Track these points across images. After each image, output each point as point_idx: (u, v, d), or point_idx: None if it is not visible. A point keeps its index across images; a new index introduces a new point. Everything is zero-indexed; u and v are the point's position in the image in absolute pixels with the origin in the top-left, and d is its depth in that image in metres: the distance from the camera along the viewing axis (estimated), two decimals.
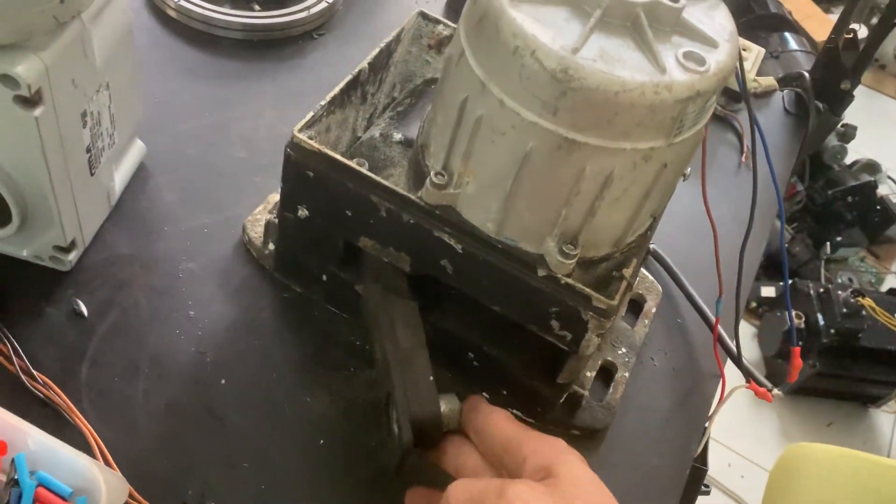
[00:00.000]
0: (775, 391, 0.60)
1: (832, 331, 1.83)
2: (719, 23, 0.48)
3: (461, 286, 0.56)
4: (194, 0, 0.84)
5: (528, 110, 0.45)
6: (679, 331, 0.72)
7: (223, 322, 0.63)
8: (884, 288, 2.23)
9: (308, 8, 0.87)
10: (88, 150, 0.58)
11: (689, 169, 0.61)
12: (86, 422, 0.54)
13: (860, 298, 1.82)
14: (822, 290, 1.90)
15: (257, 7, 0.86)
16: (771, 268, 2.21)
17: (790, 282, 1.99)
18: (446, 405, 0.51)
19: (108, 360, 0.59)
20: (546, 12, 0.45)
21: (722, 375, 0.68)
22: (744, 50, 0.93)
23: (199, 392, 0.59)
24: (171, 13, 0.85)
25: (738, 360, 0.63)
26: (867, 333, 1.82)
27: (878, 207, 2.25)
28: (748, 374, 0.63)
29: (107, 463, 0.53)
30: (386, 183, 0.53)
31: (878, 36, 0.93)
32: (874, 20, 0.97)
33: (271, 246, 0.65)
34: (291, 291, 0.65)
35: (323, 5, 0.87)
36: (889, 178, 2.49)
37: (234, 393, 0.59)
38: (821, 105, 0.96)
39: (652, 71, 0.43)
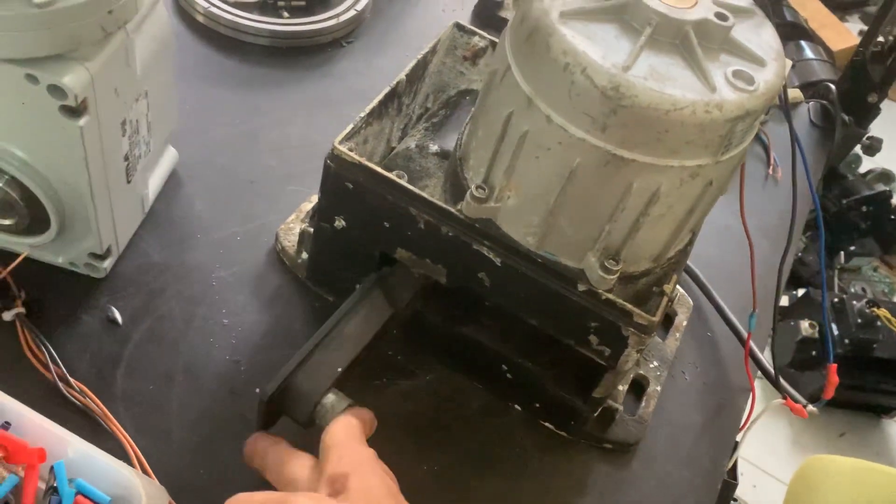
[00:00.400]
0: (810, 407, 0.60)
1: (846, 341, 1.82)
2: (766, 41, 0.48)
3: (498, 299, 0.56)
4: (223, 6, 0.84)
5: (576, 126, 0.45)
6: (709, 344, 0.72)
7: (257, 330, 0.63)
8: None
9: (337, 16, 0.87)
10: (126, 158, 0.58)
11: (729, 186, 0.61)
12: (122, 430, 0.55)
13: (875, 308, 1.82)
14: (836, 299, 1.89)
15: (286, 14, 0.86)
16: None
17: (803, 291, 1.98)
18: (334, 397, 0.51)
19: (143, 367, 0.59)
20: (596, 29, 0.45)
21: (752, 390, 0.68)
22: None
23: (234, 400, 0.59)
24: (200, 18, 0.85)
25: (774, 379, 0.63)
26: (882, 344, 1.81)
27: (893, 217, 2.24)
28: (783, 391, 0.62)
29: (144, 471, 0.53)
30: (426, 195, 0.53)
31: None
32: None
33: (305, 255, 0.65)
34: (324, 301, 0.65)
35: (351, 13, 0.88)
36: None
37: None
38: (846, 117, 0.96)
39: (702, 89, 0.43)
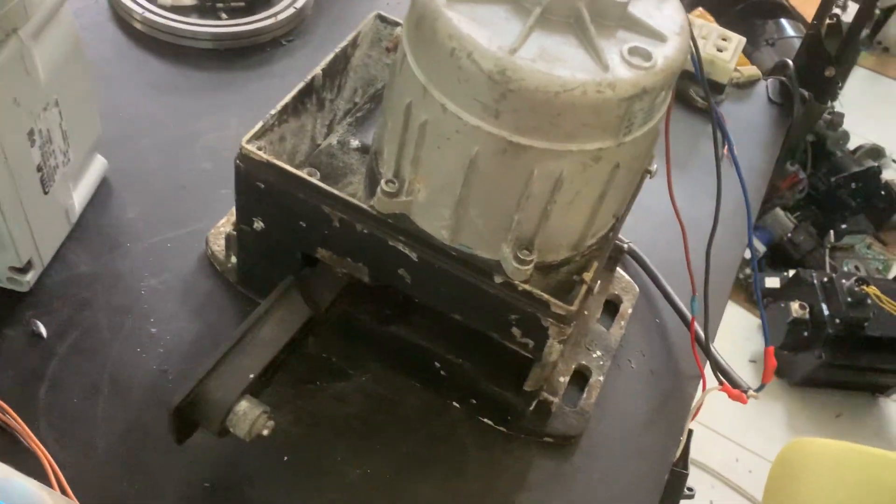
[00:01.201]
0: (751, 392, 0.58)
1: (837, 320, 1.79)
2: (668, 15, 0.46)
3: (420, 295, 0.54)
4: (160, 11, 0.83)
5: (469, 114, 0.44)
6: (657, 331, 0.70)
7: (186, 338, 0.62)
8: (891, 275, 2.19)
9: (275, 14, 0.85)
10: (40, 169, 0.57)
11: (656, 166, 0.59)
12: (42, 447, 0.53)
13: (865, 286, 1.79)
14: (825, 279, 1.86)
15: (224, 16, 0.85)
16: (775, 258, 2.18)
17: (794, 272, 1.96)
18: (247, 404, 0.49)
19: (68, 381, 0.58)
20: (484, 11, 0.43)
21: (702, 375, 0.67)
22: (723, 40, 0.91)
23: (160, 411, 0.57)
24: (137, 25, 0.84)
25: (712, 361, 0.61)
26: (873, 322, 1.78)
27: (883, 193, 2.21)
28: (723, 376, 0.61)
29: (62, 490, 0.52)
30: (336, 192, 0.51)
31: (859, 21, 0.90)
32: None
33: (234, 259, 0.64)
34: (256, 304, 0.63)
35: (290, 11, 0.86)
36: (894, 161, 2.45)
37: None
38: (806, 93, 0.94)
39: (594, 69, 0.42)
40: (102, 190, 0.68)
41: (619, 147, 0.45)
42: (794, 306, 1.87)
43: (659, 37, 0.44)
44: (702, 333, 0.63)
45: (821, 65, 0.92)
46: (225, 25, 0.84)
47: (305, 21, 0.89)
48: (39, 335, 0.59)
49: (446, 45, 0.42)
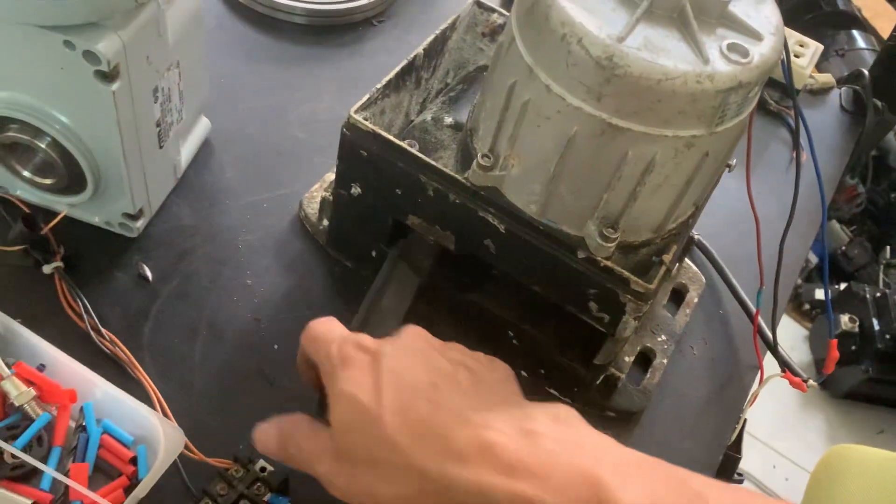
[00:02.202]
0: (810, 381, 0.60)
1: (887, 336, 1.79)
2: (765, 16, 0.49)
3: (503, 266, 0.58)
4: None
5: (573, 96, 0.47)
6: (720, 321, 0.73)
7: (278, 292, 0.66)
8: None
9: None
10: (158, 125, 0.62)
11: (735, 160, 0.62)
12: (147, 377, 0.58)
13: None
14: (878, 294, 1.85)
15: None
16: (828, 270, 2.16)
17: (845, 286, 1.95)
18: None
19: (170, 321, 0.63)
20: (594, 2, 0.46)
21: (760, 367, 0.69)
22: (800, 46, 0.93)
23: (253, 355, 0.62)
24: None
25: (774, 350, 0.64)
26: None
27: None
28: (784, 364, 0.63)
29: (165, 415, 0.57)
30: (434, 163, 0.55)
31: None
32: None
33: (325, 222, 0.68)
34: (343, 266, 0.68)
35: None
36: None
37: (286, 359, 0.62)
38: (879, 104, 0.95)
39: (695, 61, 0.45)
40: (204, 149, 0.73)
41: (710, 136, 0.47)
42: (844, 319, 1.86)
43: (756, 35, 0.47)
44: (765, 327, 0.66)
45: None
46: (320, 3, 0.88)
47: (396, 3, 0.93)
48: (146, 278, 0.64)
49: (558, 31, 0.45)
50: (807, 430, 1.91)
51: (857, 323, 1.85)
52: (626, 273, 0.52)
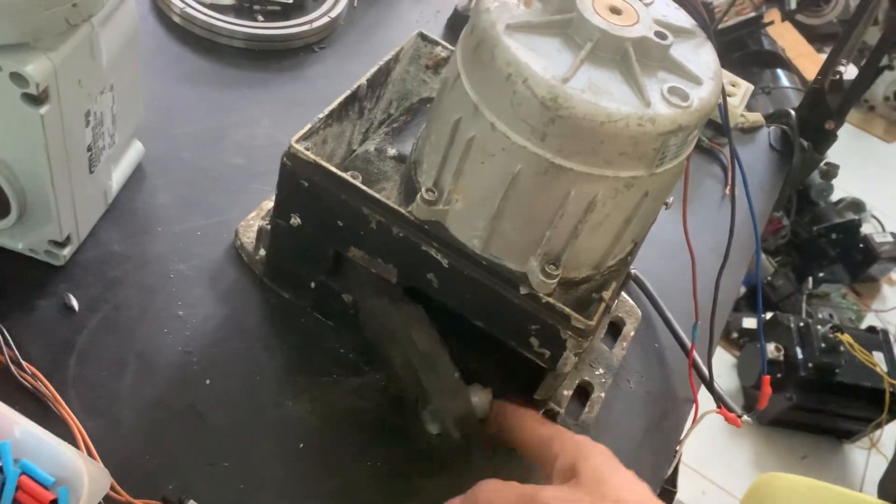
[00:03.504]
0: (745, 417, 0.62)
1: (810, 364, 1.85)
2: (704, 61, 0.50)
3: (446, 300, 0.57)
4: (199, 7, 0.86)
5: (517, 134, 0.47)
6: (656, 355, 0.74)
7: (211, 323, 0.64)
8: (863, 325, 2.25)
9: (310, 21, 0.89)
10: (89, 149, 0.60)
11: (672, 198, 0.63)
12: (71, 413, 0.55)
13: (839, 334, 1.85)
14: (801, 323, 1.92)
15: (261, 18, 0.88)
16: (753, 299, 2.24)
17: (771, 315, 2.02)
18: (475, 396, 0.55)
19: (97, 354, 0.60)
20: (539, 42, 0.47)
21: (696, 400, 0.70)
22: (732, 85, 0.96)
23: (184, 390, 0.60)
24: (176, 19, 0.86)
25: (710, 386, 0.65)
26: (844, 369, 1.85)
27: (861, 246, 2.29)
28: (719, 400, 0.64)
29: (90, 454, 0.54)
30: (378, 196, 0.54)
31: (863, 79, 0.95)
32: (864, 62, 1.01)
33: (262, 252, 0.66)
34: (279, 297, 0.66)
35: (325, 20, 0.89)
36: (873, 216, 2.53)
37: (218, 393, 0.60)
38: (805, 143, 0.99)
39: (637, 104, 0.45)
40: (137, 174, 0.71)
41: (650, 177, 0.48)
42: (770, 347, 1.93)
43: (695, 79, 0.48)
44: (700, 361, 0.67)
45: (822, 117, 0.97)
46: (260, 27, 0.87)
47: (338, 30, 0.92)
48: (71, 308, 0.61)
49: (503, 70, 0.46)
50: (734, 456, 1.96)
51: (783, 352, 1.91)
52: (567, 310, 0.52)
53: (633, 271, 0.75)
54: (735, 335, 2.15)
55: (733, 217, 0.57)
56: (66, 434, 0.54)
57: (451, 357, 0.56)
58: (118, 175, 0.68)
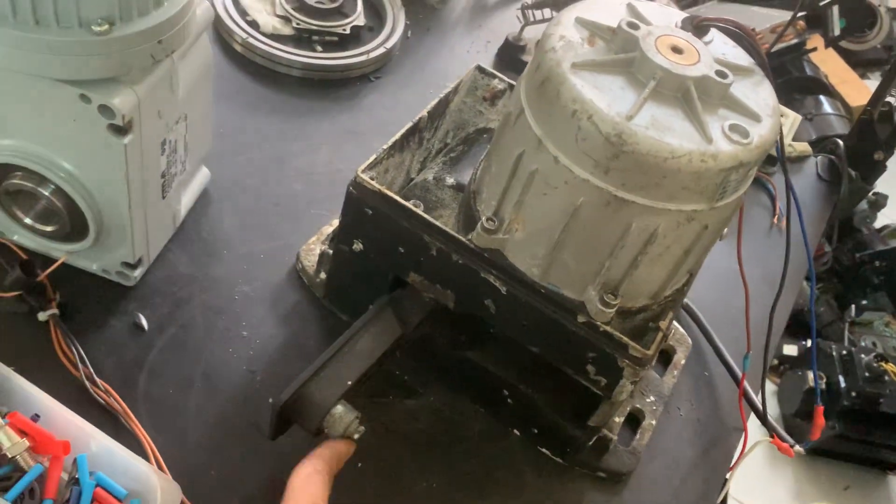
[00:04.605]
0: (797, 447, 0.62)
1: (853, 394, 1.82)
2: (763, 98, 0.51)
3: (502, 326, 0.59)
4: (260, 37, 0.89)
5: (581, 168, 0.49)
6: (706, 383, 0.74)
7: (273, 344, 0.66)
8: None
9: (367, 52, 0.91)
10: (163, 175, 0.63)
11: (727, 230, 0.64)
12: (142, 428, 0.58)
13: (883, 363, 1.82)
14: (844, 352, 1.89)
15: (319, 48, 0.91)
16: (794, 326, 2.21)
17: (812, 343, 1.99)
18: (343, 408, 0.54)
19: (165, 372, 0.62)
20: (604, 80, 0.48)
21: (745, 430, 0.70)
22: (781, 116, 0.96)
23: (247, 408, 0.62)
24: (238, 48, 0.90)
25: (763, 416, 0.65)
26: (888, 399, 1.81)
27: None
28: (772, 430, 0.65)
29: (160, 468, 0.56)
30: (439, 224, 0.56)
31: None
32: None
33: (323, 275, 0.68)
34: (338, 319, 0.69)
35: (381, 51, 0.92)
36: None
37: None
38: (853, 173, 0.99)
39: (699, 140, 0.47)
40: (203, 199, 0.74)
41: (710, 210, 0.49)
42: (811, 375, 1.90)
43: (755, 117, 0.49)
44: (750, 391, 0.67)
45: (870, 147, 0.97)
46: (319, 57, 0.90)
47: (393, 60, 0.95)
48: (141, 327, 0.64)
49: (569, 107, 0.47)
50: (776, 486, 1.93)
51: (825, 380, 1.88)
52: (625, 339, 0.53)
53: (684, 301, 0.76)
54: (775, 362, 2.12)
55: (788, 248, 0.58)
56: (137, 448, 0.56)
57: (495, 387, 0.56)
58: (187, 199, 0.71)
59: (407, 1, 1.00)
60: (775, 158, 0.99)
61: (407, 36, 0.98)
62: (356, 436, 0.54)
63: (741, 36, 0.53)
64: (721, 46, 0.54)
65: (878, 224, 2.45)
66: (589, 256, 0.53)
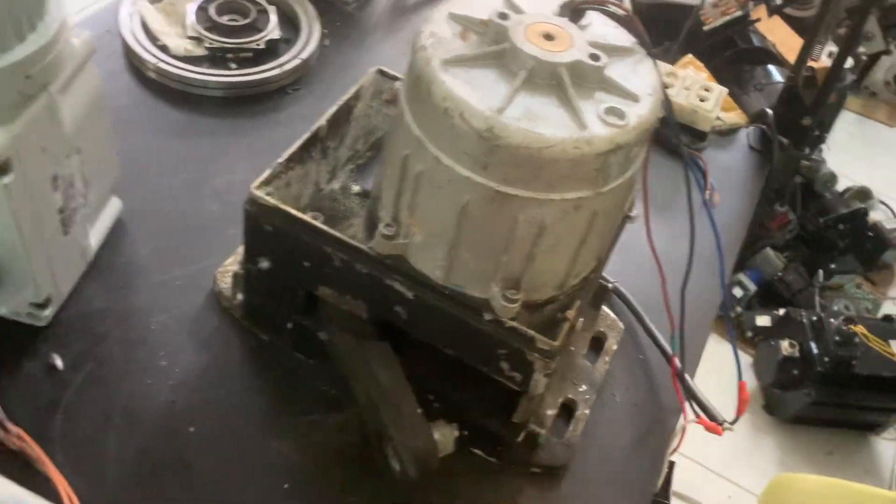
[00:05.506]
0: (726, 424, 0.61)
1: (826, 359, 1.82)
2: (642, 77, 0.50)
3: (415, 331, 0.58)
4: (172, 61, 0.88)
5: (461, 166, 0.48)
6: (641, 367, 0.74)
7: (194, 370, 0.65)
8: (881, 313, 2.22)
9: (281, 65, 0.90)
10: (61, 211, 0.61)
11: (636, 212, 0.64)
12: (57, 472, 0.56)
13: (852, 326, 1.83)
14: (814, 318, 1.90)
15: (234, 66, 0.90)
16: (766, 297, 2.21)
17: (784, 311, 2.00)
18: (438, 432, 0.56)
19: (83, 411, 0.61)
20: (476, 75, 0.48)
21: (683, 410, 0.70)
22: (706, 90, 0.96)
23: (169, 440, 0.61)
24: (151, 74, 0.88)
25: (691, 395, 0.65)
26: (861, 360, 1.82)
27: (871, 234, 2.26)
28: (702, 409, 0.64)
29: None
30: (338, 235, 0.55)
31: (834, 73, 0.95)
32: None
33: (240, 296, 0.67)
34: (260, 340, 0.67)
35: (296, 62, 0.91)
36: (882, 203, 2.50)
37: (203, 440, 0.61)
38: (784, 141, 0.99)
39: (573, 127, 0.46)
40: (117, 230, 0.73)
41: (597, 196, 0.49)
42: (784, 345, 1.90)
43: (633, 97, 0.49)
44: (681, 369, 0.67)
45: (798, 114, 0.97)
46: (234, 75, 0.89)
47: (310, 71, 0.94)
48: (55, 367, 0.63)
49: (440, 105, 0.47)
50: (759, 457, 1.93)
51: (797, 348, 1.88)
52: (531, 332, 0.53)
53: (612, 284, 0.75)
54: (749, 334, 2.13)
55: (692, 225, 0.58)
56: (52, 493, 0.55)
57: (420, 392, 0.56)
58: (97, 232, 0.69)
59: (323, 9, 0.99)
60: (705, 134, 0.98)
61: (324, 45, 0.97)
62: (455, 433, 0.57)
63: (618, 16, 0.53)
64: (601, 29, 0.53)
65: (840, 187, 2.46)
66: (485, 254, 0.52)
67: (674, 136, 0.54)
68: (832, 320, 1.87)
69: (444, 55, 0.48)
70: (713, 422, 0.62)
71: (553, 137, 0.45)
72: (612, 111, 0.47)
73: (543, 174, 0.46)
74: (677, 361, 0.67)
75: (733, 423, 0.61)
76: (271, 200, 0.56)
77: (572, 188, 0.48)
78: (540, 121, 0.46)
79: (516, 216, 0.49)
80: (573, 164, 0.46)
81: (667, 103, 0.53)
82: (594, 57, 0.48)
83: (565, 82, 0.47)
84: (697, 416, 0.63)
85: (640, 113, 0.48)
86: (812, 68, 0.97)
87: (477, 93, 0.46)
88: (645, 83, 0.50)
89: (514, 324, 0.53)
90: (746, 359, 2.13)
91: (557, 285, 0.55)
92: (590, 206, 0.49)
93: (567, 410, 0.68)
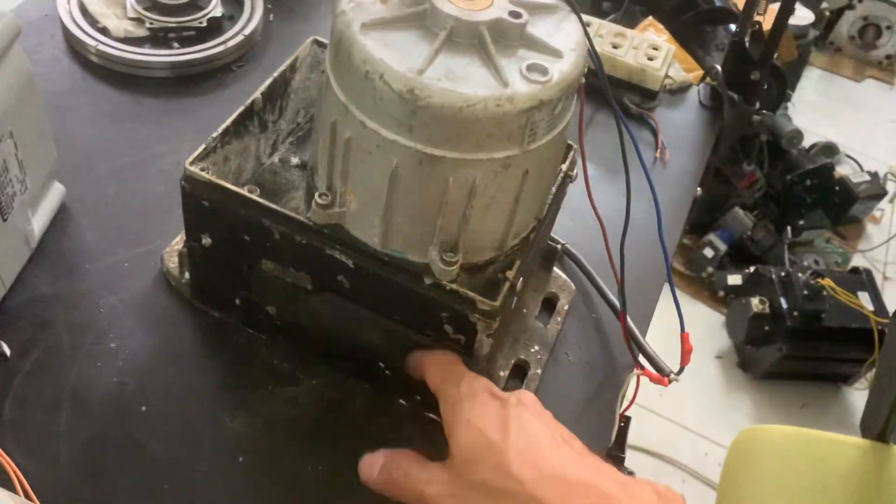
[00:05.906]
0: (673, 376, 0.62)
1: (795, 313, 1.85)
2: (566, 34, 0.50)
3: (359, 299, 0.58)
4: (113, 44, 0.87)
5: (387, 130, 0.48)
6: (594, 325, 0.75)
7: (144, 352, 0.65)
8: (850, 267, 2.25)
9: (225, 42, 0.89)
10: None
11: (577, 172, 0.64)
12: (7, 458, 0.56)
13: (819, 279, 1.85)
14: (783, 273, 1.92)
15: (176, 45, 0.89)
16: (737, 257, 2.24)
17: (753, 269, 2.02)
18: None
19: (32, 397, 0.61)
20: (396, 37, 0.47)
21: (636, 365, 0.71)
22: (654, 49, 0.96)
23: (121, 421, 0.61)
24: (93, 58, 0.87)
25: (637, 346, 0.66)
26: (830, 313, 1.85)
27: (838, 188, 2.28)
28: (649, 358, 0.65)
29: (27, 496, 0.55)
30: (273, 206, 0.55)
31: (779, 25, 0.96)
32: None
33: (187, 275, 0.67)
34: (210, 317, 0.67)
35: (240, 38, 0.90)
36: (849, 157, 2.53)
37: (155, 419, 0.61)
38: (735, 96, 0.99)
39: (495, 85, 0.46)
40: (61, 215, 0.72)
41: (525, 154, 0.49)
42: (755, 302, 1.93)
43: (556, 53, 0.49)
44: (633, 326, 0.68)
45: (746, 69, 0.97)
46: (177, 54, 0.88)
47: (255, 47, 0.93)
48: (3, 355, 0.63)
49: (361, 69, 0.46)
50: (735, 413, 1.96)
51: (767, 304, 1.91)
52: (471, 294, 0.53)
53: (562, 245, 0.76)
54: (721, 293, 2.15)
55: (628, 183, 0.58)
56: (2, 478, 0.55)
57: (370, 360, 0.57)
58: (39, 218, 0.69)
59: None
60: (655, 93, 0.99)
61: (269, 20, 0.96)
62: None
63: None
64: None
65: (807, 143, 2.48)
66: (420, 217, 0.52)
67: (605, 91, 0.53)
68: (800, 275, 1.90)
69: (364, 18, 0.48)
70: (659, 373, 0.63)
71: (475, 96, 0.45)
72: (534, 67, 0.47)
73: (468, 134, 0.46)
74: (627, 317, 0.68)
75: (678, 373, 0.62)
76: (206, 175, 0.56)
77: (499, 147, 0.48)
78: (461, 80, 0.46)
79: (446, 178, 0.49)
80: (497, 122, 0.46)
81: (595, 58, 0.53)
82: (515, 14, 0.48)
83: (486, 40, 0.47)
84: (643, 368, 0.64)
85: (563, 69, 0.48)
86: (759, 22, 0.97)
87: (397, 55, 0.46)
88: (569, 39, 0.50)
89: (455, 286, 0.53)
90: (719, 317, 2.15)
91: (496, 246, 0.56)
92: (519, 164, 0.49)
93: (521, 371, 0.68)
